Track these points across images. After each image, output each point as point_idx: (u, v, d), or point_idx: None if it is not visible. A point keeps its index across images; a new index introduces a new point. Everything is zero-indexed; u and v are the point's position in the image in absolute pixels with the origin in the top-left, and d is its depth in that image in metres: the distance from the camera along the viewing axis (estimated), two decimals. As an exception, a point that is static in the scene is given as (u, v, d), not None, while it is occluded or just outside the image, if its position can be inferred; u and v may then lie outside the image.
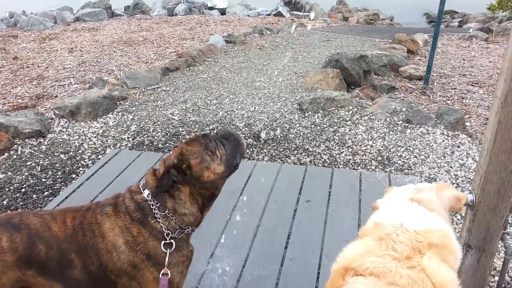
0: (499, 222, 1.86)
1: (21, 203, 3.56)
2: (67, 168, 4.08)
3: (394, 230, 1.45)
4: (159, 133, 4.80)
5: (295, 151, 4.37)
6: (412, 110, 5.12)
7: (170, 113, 5.33)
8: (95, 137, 4.71)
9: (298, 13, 14.61)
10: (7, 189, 3.74)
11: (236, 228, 3.01)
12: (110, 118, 5.20)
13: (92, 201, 3.29)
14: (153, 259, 1.68)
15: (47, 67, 7.40)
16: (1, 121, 4.59)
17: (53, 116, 5.15)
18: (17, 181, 3.87)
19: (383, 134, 4.68)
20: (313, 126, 4.92)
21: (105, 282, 1.70)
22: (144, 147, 4.51)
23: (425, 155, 4.23)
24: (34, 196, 3.66)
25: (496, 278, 2.65)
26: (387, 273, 1.31)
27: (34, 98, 5.93)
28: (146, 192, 1.73)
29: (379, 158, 4.20)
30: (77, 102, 5.17)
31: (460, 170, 3.97)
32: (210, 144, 1.75)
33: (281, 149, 4.42)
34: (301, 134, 4.74)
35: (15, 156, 4.29)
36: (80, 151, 4.41)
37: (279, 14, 13.78)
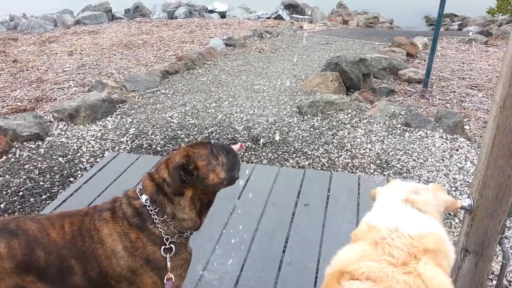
0: (496, 226, 1.85)
1: (18, 206, 3.55)
2: (65, 171, 4.08)
3: (389, 234, 1.45)
4: (158, 136, 4.80)
5: (294, 155, 4.37)
6: (411, 114, 5.12)
7: (169, 116, 5.33)
8: (94, 140, 4.71)
9: (298, 16, 14.63)
10: (4, 193, 3.74)
11: (234, 231, 3.00)
12: (109, 121, 5.19)
13: (90, 204, 3.30)
14: (152, 263, 1.68)
15: (47, 70, 7.41)
16: (0, 124, 4.59)
17: (52, 119, 5.15)
18: (15, 184, 3.86)
19: (382, 138, 4.68)
20: (312, 129, 4.92)
21: (106, 287, 1.70)
22: (143, 150, 4.50)
23: (423, 159, 4.23)
24: (31, 199, 3.65)
25: (494, 282, 2.64)
26: (383, 278, 1.31)
27: (33, 101, 5.93)
28: (144, 197, 1.72)
29: (378, 162, 4.19)
30: (76, 105, 5.17)
31: (459, 173, 3.96)
32: (214, 149, 1.79)
33: (280, 152, 4.41)
34: (300, 137, 4.73)
35: (13, 159, 4.28)
36: (78, 154, 4.40)
37: (279, 18, 13.79)
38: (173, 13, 13.83)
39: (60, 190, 3.76)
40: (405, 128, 4.88)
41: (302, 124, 5.05)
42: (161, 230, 1.70)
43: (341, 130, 4.87)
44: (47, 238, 1.66)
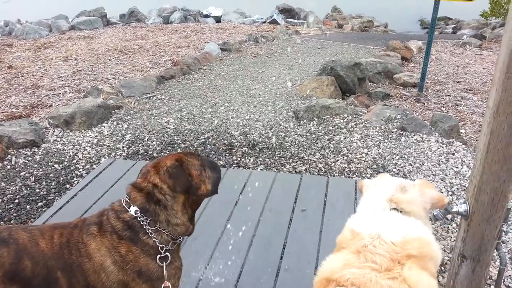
0: (493, 232, 1.86)
1: (14, 214, 3.53)
2: (61, 178, 4.06)
3: (371, 241, 1.47)
4: (154, 142, 4.79)
5: (291, 160, 4.37)
6: (406, 118, 5.14)
7: (165, 122, 5.32)
8: (90, 146, 4.69)
9: (293, 20, 14.68)
10: (0, 200, 3.71)
11: (231, 238, 2.99)
12: (105, 127, 5.18)
13: (87, 211, 3.29)
14: (145, 275, 1.67)
15: (42, 76, 7.39)
16: (-5, 131, 4.57)
17: (48, 126, 5.13)
18: (10, 192, 3.84)
19: (378, 142, 4.69)
20: (308, 134, 4.93)
21: None
22: (139, 156, 4.49)
23: (420, 163, 4.24)
24: (27, 206, 3.63)
25: (492, 287, 2.65)
26: (367, 283, 1.35)
27: (28, 107, 5.91)
28: (133, 209, 1.70)
29: (374, 166, 4.20)
30: (72, 111, 5.16)
31: (455, 177, 3.98)
32: (204, 162, 1.82)
33: (277, 158, 4.41)
34: (297, 142, 4.74)
35: (9, 167, 4.26)
36: (74, 161, 4.38)
37: (274, 22, 13.83)
38: (168, 18, 13.85)
39: (56, 197, 3.74)
40: (401, 132, 4.89)
41: (298, 129, 5.06)
42: (155, 239, 1.69)
43: (337, 135, 4.88)
44: (35, 248, 1.65)
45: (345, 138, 4.79)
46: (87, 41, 10.47)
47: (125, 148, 4.66)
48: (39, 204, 3.67)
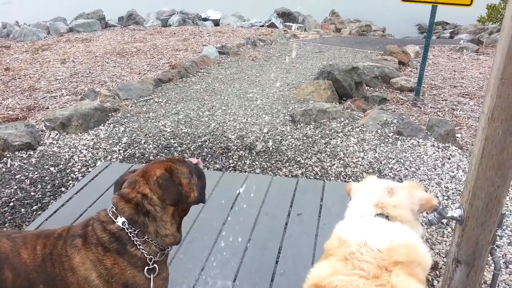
0: (487, 237, 1.86)
1: (9, 217, 3.52)
2: (57, 181, 4.05)
3: (358, 248, 1.48)
4: (150, 145, 4.78)
5: (287, 163, 4.37)
6: (403, 122, 5.15)
7: (162, 125, 5.32)
8: (86, 149, 4.68)
9: (291, 24, 14.71)
10: (-5, 203, 3.70)
11: (227, 242, 2.99)
12: (101, 130, 5.17)
13: (81, 214, 3.28)
14: None
15: (39, 78, 7.38)
16: (-9, 134, 4.56)
17: (44, 128, 5.12)
18: (5, 195, 3.82)
19: (374, 146, 4.70)
20: (305, 138, 4.93)
21: None
22: (136, 159, 4.48)
23: (416, 167, 4.25)
24: (22, 210, 3.61)
25: (487, 292, 2.65)
26: None
27: (25, 109, 5.90)
28: (120, 220, 1.65)
29: (370, 170, 4.20)
30: (68, 114, 5.15)
31: (451, 182, 3.98)
32: (192, 169, 1.80)
33: (273, 161, 4.41)
34: (293, 146, 4.74)
35: (4, 169, 4.24)
36: (70, 164, 4.37)
37: (272, 26, 13.87)
38: (166, 21, 13.86)
39: (51, 201, 3.73)
40: (397, 136, 4.90)
41: (295, 133, 5.06)
42: (143, 251, 1.65)
43: (333, 139, 4.88)
44: (17, 259, 1.60)
45: (341, 142, 4.80)
46: (85, 43, 10.47)
47: (121, 151, 4.65)
48: (34, 207, 3.65)
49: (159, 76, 7.34)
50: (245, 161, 4.42)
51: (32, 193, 3.85)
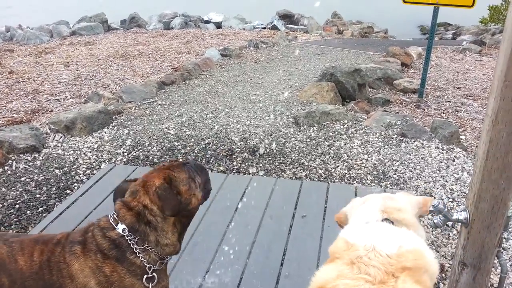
0: (493, 240, 1.86)
1: (15, 219, 3.53)
2: (62, 184, 4.06)
3: (366, 253, 1.45)
4: (154, 148, 4.80)
5: (291, 165, 4.38)
6: (406, 124, 5.15)
7: (166, 127, 5.34)
8: (90, 152, 4.70)
9: (293, 26, 14.73)
10: (1, 205, 3.72)
11: (231, 244, 2.99)
12: (105, 132, 5.19)
13: (87, 217, 3.29)
14: None
15: (43, 81, 7.41)
16: (-4, 137, 4.58)
17: (48, 131, 5.14)
18: (11, 197, 3.84)
19: (378, 148, 4.70)
20: (308, 140, 4.94)
21: None
22: (140, 162, 4.50)
23: (420, 169, 4.25)
24: (28, 212, 3.63)
25: (492, 294, 2.64)
26: None
27: (29, 112, 5.92)
28: (121, 227, 1.64)
29: (375, 172, 4.20)
30: (72, 117, 5.17)
31: (456, 184, 3.98)
32: (192, 171, 1.77)
33: (277, 164, 4.42)
34: (297, 148, 4.75)
35: (9, 172, 4.27)
36: (75, 166, 4.39)
37: (274, 28, 13.88)
38: (169, 24, 13.89)
39: (56, 203, 3.75)
40: (401, 138, 4.90)
41: (298, 135, 5.07)
42: (142, 259, 1.64)
43: (337, 141, 4.89)
44: (14, 265, 1.59)
45: (345, 144, 4.80)
46: (88, 46, 10.51)
47: (125, 154, 4.66)
48: (40, 209, 3.67)
49: (162, 78, 7.36)
50: (249, 164, 4.42)
51: (38, 195, 3.87)
